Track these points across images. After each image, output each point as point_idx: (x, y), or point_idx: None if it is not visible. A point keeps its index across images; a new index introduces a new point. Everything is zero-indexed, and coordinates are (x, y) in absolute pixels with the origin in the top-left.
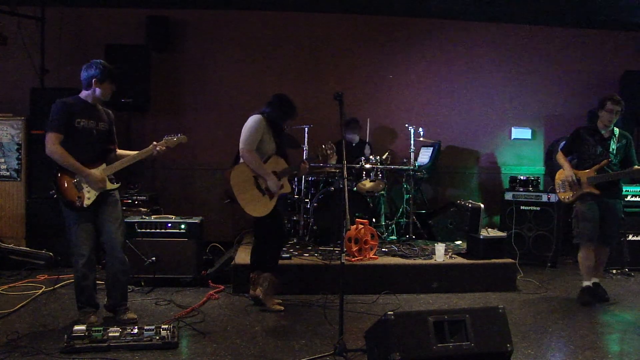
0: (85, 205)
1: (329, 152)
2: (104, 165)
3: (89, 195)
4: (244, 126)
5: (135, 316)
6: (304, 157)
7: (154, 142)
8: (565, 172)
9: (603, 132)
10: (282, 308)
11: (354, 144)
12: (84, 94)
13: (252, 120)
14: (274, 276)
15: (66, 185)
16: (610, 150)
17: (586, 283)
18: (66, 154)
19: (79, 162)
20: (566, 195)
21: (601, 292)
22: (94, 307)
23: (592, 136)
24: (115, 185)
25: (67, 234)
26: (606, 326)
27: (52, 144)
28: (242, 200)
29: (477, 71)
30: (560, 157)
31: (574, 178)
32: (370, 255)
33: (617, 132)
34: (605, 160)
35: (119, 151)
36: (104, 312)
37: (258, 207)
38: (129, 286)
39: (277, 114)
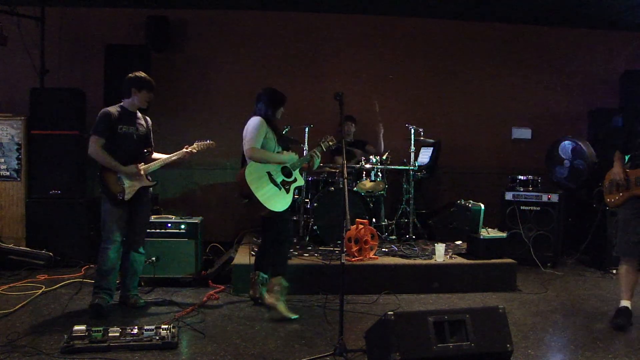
0: (125, 199)
1: (330, 143)
2: (142, 164)
3: (129, 190)
4: (246, 128)
5: (143, 301)
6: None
7: (186, 146)
8: (613, 171)
9: None
10: (297, 316)
11: (349, 139)
12: (125, 102)
13: (254, 120)
14: (285, 280)
15: (110, 181)
16: None
17: (623, 303)
18: (105, 154)
19: (121, 162)
20: (612, 198)
21: (629, 316)
22: (109, 296)
23: None
24: (152, 183)
25: (102, 220)
26: (606, 326)
27: (94, 146)
28: (262, 197)
29: (477, 71)
30: (615, 156)
31: (622, 177)
32: (370, 255)
33: None
34: None
35: (155, 154)
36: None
37: (278, 201)
38: None
39: (268, 105)
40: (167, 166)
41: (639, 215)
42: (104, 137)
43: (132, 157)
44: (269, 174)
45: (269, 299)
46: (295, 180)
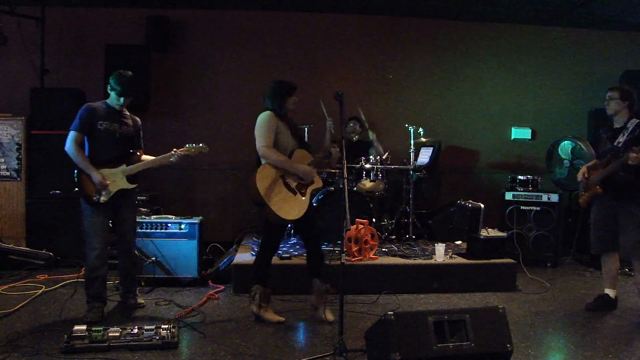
0: (101, 201)
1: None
2: (124, 166)
3: (106, 192)
4: (256, 125)
5: (143, 301)
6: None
7: (175, 149)
8: (579, 172)
9: (615, 124)
10: (283, 319)
11: (354, 140)
12: (109, 98)
13: (262, 116)
14: (263, 285)
15: (86, 181)
16: (616, 143)
17: (605, 290)
18: (80, 152)
19: (100, 161)
20: (581, 199)
21: (605, 304)
22: (101, 302)
23: (606, 132)
24: (132, 185)
25: (81, 226)
26: (606, 326)
27: (70, 142)
28: (274, 205)
29: (477, 71)
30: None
31: (582, 179)
32: (370, 255)
33: (634, 123)
34: (608, 156)
35: (144, 156)
36: (107, 312)
37: (294, 208)
38: None
39: (274, 97)
40: (167, 166)
41: (606, 214)
42: (83, 134)
43: (113, 156)
44: (283, 178)
45: (251, 306)
46: (312, 182)
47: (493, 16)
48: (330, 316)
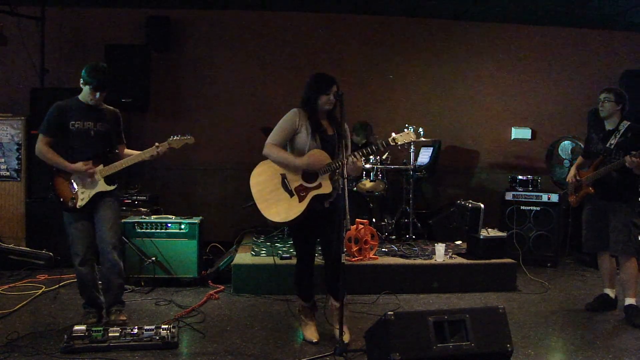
0: (78, 207)
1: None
2: (101, 167)
3: (83, 197)
4: None
5: (125, 318)
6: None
7: (157, 143)
8: (569, 173)
9: (607, 126)
10: (316, 340)
11: (359, 145)
12: (82, 94)
13: (287, 113)
14: (302, 299)
15: (61, 186)
16: (608, 145)
17: (605, 290)
18: (50, 152)
19: (75, 163)
20: (571, 199)
21: (605, 303)
22: (94, 308)
23: (597, 133)
24: (110, 187)
25: (66, 233)
26: (606, 326)
27: (39, 145)
28: (262, 203)
29: (477, 71)
30: (577, 160)
31: (572, 180)
32: (370, 255)
33: (625, 125)
34: (600, 157)
35: (127, 151)
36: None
37: (281, 210)
38: (128, 286)
39: (307, 93)
40: (167, 166)
41: (598, 213)
42: (50, 136)
43: (89, 157)
44: (284, 176)
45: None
46: (319, 186)
47: (493, 16)
48: (346, 337)
